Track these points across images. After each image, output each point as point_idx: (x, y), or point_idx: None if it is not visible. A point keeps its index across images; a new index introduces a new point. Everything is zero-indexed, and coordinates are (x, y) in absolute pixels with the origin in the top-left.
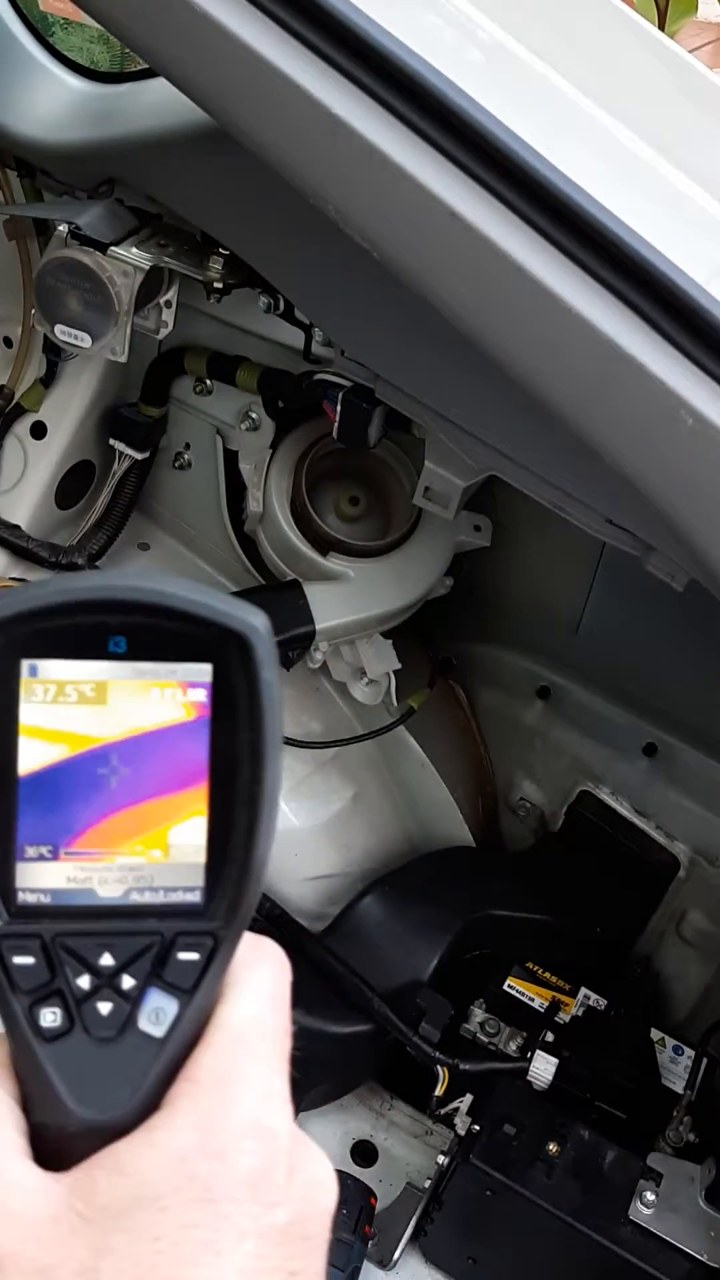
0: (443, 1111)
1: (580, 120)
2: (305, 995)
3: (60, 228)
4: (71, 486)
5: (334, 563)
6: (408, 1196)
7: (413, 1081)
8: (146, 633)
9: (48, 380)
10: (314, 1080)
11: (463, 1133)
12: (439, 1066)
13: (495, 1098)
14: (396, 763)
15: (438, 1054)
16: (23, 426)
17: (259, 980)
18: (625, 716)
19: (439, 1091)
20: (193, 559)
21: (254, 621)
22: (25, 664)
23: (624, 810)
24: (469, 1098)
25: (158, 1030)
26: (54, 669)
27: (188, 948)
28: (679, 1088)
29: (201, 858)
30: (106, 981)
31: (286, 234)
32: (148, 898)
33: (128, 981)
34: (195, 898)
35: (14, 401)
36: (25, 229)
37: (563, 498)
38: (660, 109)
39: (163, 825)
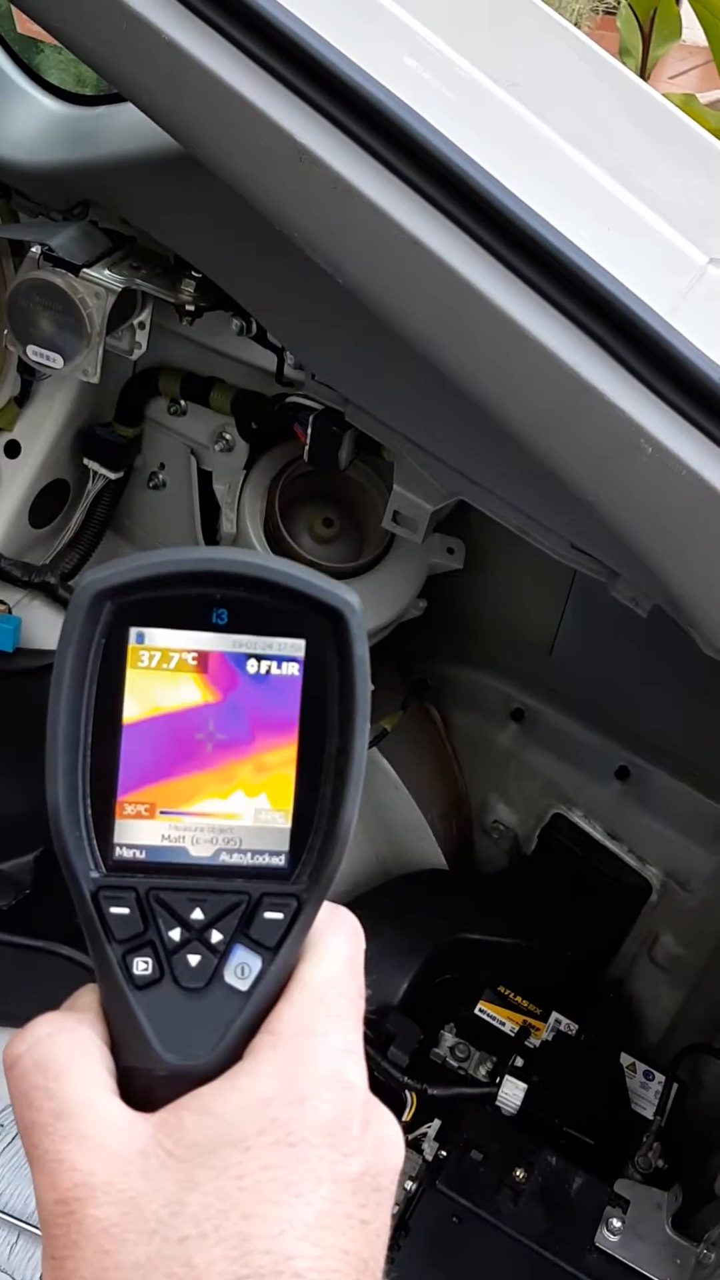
0: (410, 1137)
1: (544, 151)
2: None
3: (33, 249)
4: (45, 505)
5: None
6: None
7: None
8: (248, 606)
9: (22, 399)
10: None
11: (430, 1158)
12: (407, 1091)
13: (463, 1123)
14: (369, 785)
15: (406, 1079)
16: None
17: (337, 944)
18: (598, 739)
19: (406, 1117)
20: None
21: (348, 598)
22: (133, 631)
23: (596, 833)
24: (437, 1123)
25: (243, 984)
26: (160, 637)
27: (273, 908)
28: (649, 1113)
29: (287, 824)
30: (196, 935)
31: (256, 258)
32: (236, 859)
33: (216, 936)
34: (280, 861)
35: None
36: (0, 250)
37: (528, 523)
38: (625, 141)
39: (253, 791)
